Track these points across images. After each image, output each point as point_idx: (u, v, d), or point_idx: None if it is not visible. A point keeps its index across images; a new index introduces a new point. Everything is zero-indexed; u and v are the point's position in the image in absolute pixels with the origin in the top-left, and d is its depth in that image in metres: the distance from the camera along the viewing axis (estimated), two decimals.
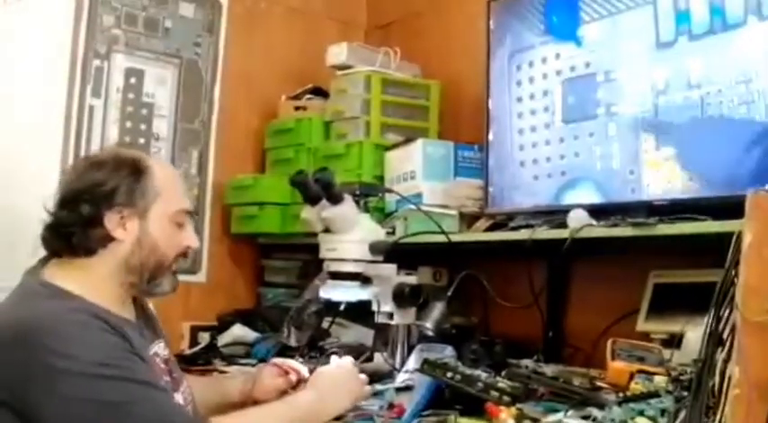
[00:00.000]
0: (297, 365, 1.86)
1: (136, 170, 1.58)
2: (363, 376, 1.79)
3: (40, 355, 1.38)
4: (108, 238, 1.55)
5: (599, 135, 2.00)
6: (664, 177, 1.86)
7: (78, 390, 1.37)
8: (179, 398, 1.60)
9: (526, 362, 1.80)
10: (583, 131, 2.04)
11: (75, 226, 1.54)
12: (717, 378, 1.28)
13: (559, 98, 2.11)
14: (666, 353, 1.69)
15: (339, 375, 1.75)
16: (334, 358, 1.85)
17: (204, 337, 2.64)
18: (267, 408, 1.65)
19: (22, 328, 1.42)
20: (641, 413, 1.40)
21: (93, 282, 1.54)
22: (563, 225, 1.92)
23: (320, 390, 1.70)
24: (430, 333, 2.02)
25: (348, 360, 1.85)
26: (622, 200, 1.93)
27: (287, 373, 1.83)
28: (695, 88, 1.81)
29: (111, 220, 1.54)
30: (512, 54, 2.24)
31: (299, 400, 1.68)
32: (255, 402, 1.75)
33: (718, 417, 1.26)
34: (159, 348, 1.65)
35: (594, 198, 1.99)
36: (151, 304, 2.41)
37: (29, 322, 1.43)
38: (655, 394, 1.45)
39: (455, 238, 2.15)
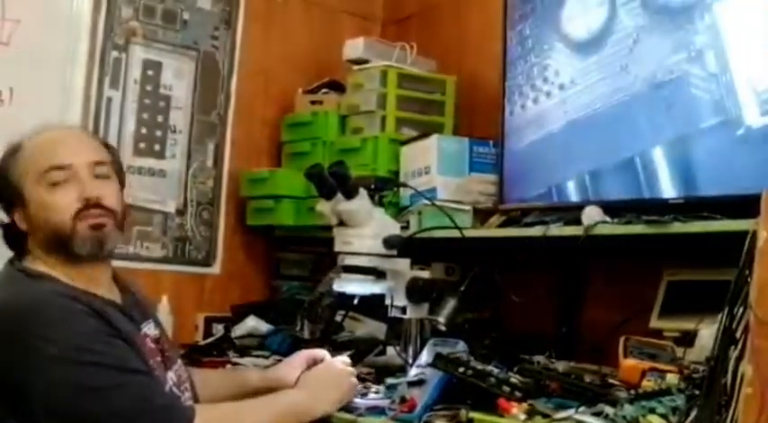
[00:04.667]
0: (328, 357, 1.88)
1: (3, 164, 1.61)
2: (354, 378, 1.81)
3: (23, 338, 1.41)
4: (24, 234, 1.58)
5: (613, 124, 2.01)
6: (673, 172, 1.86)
7: (58, 374, 1.40)
8: (171, 376, 1.62)
9: (538, 358, 1.80)
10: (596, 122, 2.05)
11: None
12: (729, 376, 1.28)
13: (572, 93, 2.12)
14: (679, 351, 1.70)
15: (328, 375, 1.77)
16: (327, 355, 1.87)
17: (218, 329, 2.65)
18: (254, 400, 1.66)
19: (5, 312, 1.45)
20: (653, 411, 1.40)
21: (55, 266, 1.56)
22: (577, 222, 1.92)
23: (309, 388, 1.72)
24: (442, 328, 2.03)
25: (343, 358, 1.86)
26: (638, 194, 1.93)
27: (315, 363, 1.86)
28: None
29: (16, 218, 1.59)
30: (526, 50, 2.25)
31: (287, 397, 1.70)
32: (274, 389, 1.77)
33: (729, 415, 1.26)
34: (149, 328, 1.65)
35: (611, 187, 1.99)
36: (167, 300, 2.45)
37: (12, 306, 1.46)
38: (666, 392, 1.45)
39: (469, 233, 2.16)
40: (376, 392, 1.87)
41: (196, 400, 1.70)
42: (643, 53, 1.95)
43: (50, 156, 1.57)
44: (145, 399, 1.45)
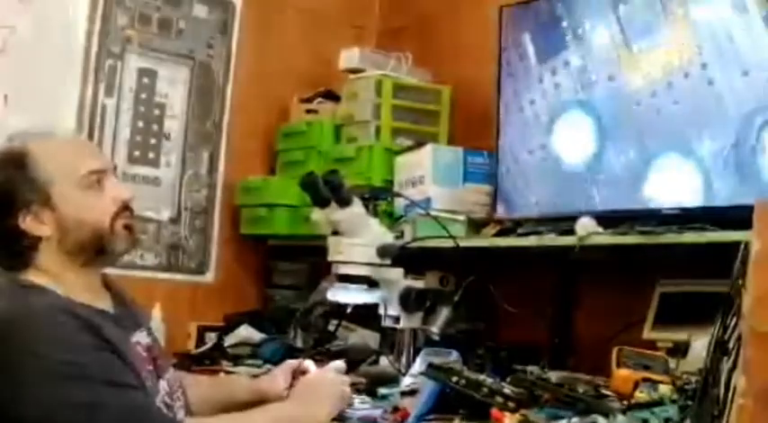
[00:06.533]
0: (312, 367, 1.87)
1: (18, 164, 1.53)
2: (347, 387, 1.78)
3: (11, 353, 1.39)
4: (35, 240, 1.53)
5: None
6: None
7: (47, 390, 1.37)
8: (163, 384, 1.60)
9: (531, 368, 1.79)
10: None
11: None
12: (722, 387, 1.28)
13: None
14: (672, 362, 1.70)
15: (320, 385, 1.75)
16: (311, 365, 1.85)
17: (211, 338, 2.65)
18: (245, 414, 1.64)
19: None
20: (645, 421, 1.40)
21: (55, 276, 1.52)
22: (571, 232, 1.92)
23: (300, 399, 1.70)
24: (436, 337, 2.03)
25: (336, 365, 1.85)
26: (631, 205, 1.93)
27: (303, 372, 1.84)
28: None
29: (26, 224, 1.52)
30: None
31: (279, 408, 1.68)
32: (265, 401, 1.75)
33: None
34: (141, 337, 1.62)
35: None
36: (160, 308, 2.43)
37: (1, 320, 1.43)
38: (659, 403, 1.45)
39: (463, 243, 2.16)
40: (362, 402, 1.86)
41: (188, 408, 1.69)
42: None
43: (84, 160, 1.57)
44: (133, 415, 1.44)
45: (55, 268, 1.54)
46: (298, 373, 1.82)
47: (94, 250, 1.56)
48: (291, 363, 1.88)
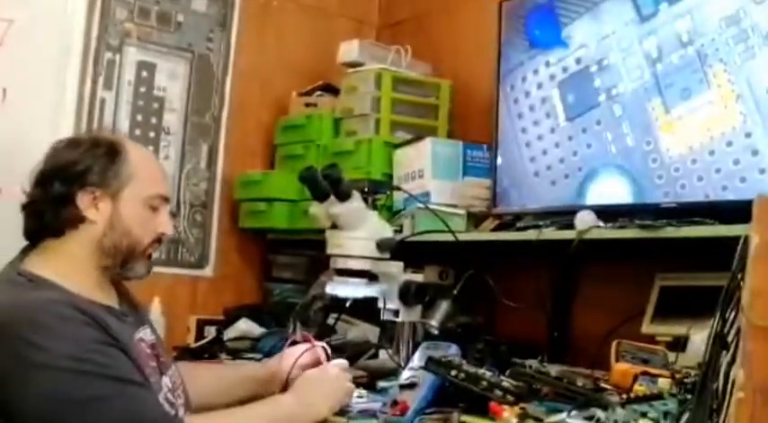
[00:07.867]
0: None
1: (111, 151, 1.58)
2: (350, 383, 1.79)
3: (16, 347, 1.39)
4: (79, 218, 1.55)
5: (606, 119, 2.01)
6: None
7: (51, 384, 1.38)
8: (166, 381, 1.61)
9: (531, 362, 1.80)
10: (589, 122, 2.05)
11: (46, 204, 1.55)
12: (721, 381, 1.28)
13: (558, 100, 2.13)
14: (671, 355, 1.70)
15: (323, 380, 1.75)
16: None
17: (210, 331, 2.65)
18: (247, 408, 1.65)
19: (0, 319, 1.42)
20: (644, 415, 1.40)
21: (70, 268, 1.54)
22: (570, 226, 1.92)
23: (302, 394, 1.70)
24: (435, 331, 2.03)
25: (340, 362, 1.85)
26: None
27: (307, 340, 1.85)
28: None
29: (82, 200, 1.55)
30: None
31: (279, 403, 1.69)
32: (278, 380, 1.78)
33: (721, 420, 1.26)
34: (145, 334, 1.64)
35: (618, 182, 1.99)
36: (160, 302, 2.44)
37: (6, 313, 1.43)
38: (658, 396, 1.46)
39: (462, 237, 2.15)
40: (359, 397, 1.86)
41: (188, 403, 1.69)
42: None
43: (161, 182, 1.67)
44: (136, 412, 1.44)
45: (73, 259, 1.55)
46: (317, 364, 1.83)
47: (121, 260, 1.59)
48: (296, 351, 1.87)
